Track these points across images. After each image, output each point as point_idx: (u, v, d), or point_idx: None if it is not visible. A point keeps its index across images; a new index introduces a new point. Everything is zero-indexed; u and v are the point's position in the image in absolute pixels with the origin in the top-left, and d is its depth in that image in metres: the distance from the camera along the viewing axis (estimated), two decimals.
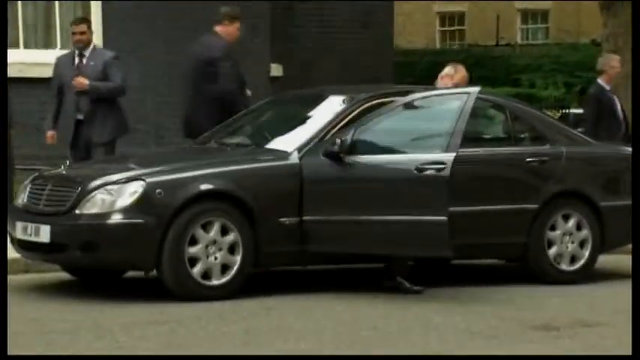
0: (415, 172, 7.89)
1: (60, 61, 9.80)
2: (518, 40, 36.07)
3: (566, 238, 8.84)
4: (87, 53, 9.61)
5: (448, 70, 9.27)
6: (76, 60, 9.63)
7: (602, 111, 10.92)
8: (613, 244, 9.21)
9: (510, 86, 24.81)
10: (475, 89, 8.19)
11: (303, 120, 8.67)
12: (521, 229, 8.62)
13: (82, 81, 9.43)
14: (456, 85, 9.04)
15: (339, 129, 8.29)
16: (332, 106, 8.64)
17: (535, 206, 8.70)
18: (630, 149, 9.42)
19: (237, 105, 9.44)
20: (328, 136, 8.24)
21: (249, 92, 9.83)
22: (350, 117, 8.42)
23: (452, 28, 38.37)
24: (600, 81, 11.13)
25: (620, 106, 11.24)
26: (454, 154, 7.87)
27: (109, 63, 9.60)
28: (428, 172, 7.86)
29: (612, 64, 11.22)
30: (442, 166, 7.83)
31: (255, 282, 8.19)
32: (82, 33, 9.62)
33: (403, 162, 8.02)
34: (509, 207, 8.57)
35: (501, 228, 8.55)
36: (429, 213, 7.74)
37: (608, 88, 11.12)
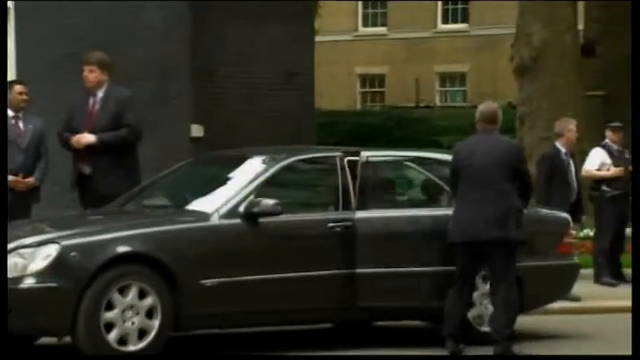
0: (327, 229, 8.09)
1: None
2: (437, 102, 36.44)
3: (485, 300, 8.70)
4: (21, 115, 9.38)
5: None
6: (12, 122, 9.31)
7: (554, 174, 10.82)
8: (532, 305, 9.11)
9: (431, 147, 24.93)
10: (366, 153, 8.52)
11: (224, 181, 8.53)
12: (441, 291, 8.47)
13: (28, 181, 9.14)
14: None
15: (260, 190, 8.16)
16: (253, 167, 8.52)
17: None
18: (548, 211, 9.41)
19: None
20: (249, 197, 8.09)
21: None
22: (271, 178, 8.31)
23: (372, 90, 38.69)
24: (557, 144, 11.08)
25: (575, 172, 11.17)
26: (366, 213, 8.09)
27: (44, 132, 9.34)
28: (337, 229, 8.05)
29: (570, 127, 11.22)
30: (349, 223, 8.04)
31: (176, 347, 7.92)
32: (27, 94, 9.45)
33: (318, 221, 8.16)
34: (432, 269, 8.42)
35: (424, 290, 8.39)
36: (343, 267, 8.05)
37: (564, 151, 11.08)
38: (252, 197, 8.07)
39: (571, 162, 11.11)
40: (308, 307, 8.17)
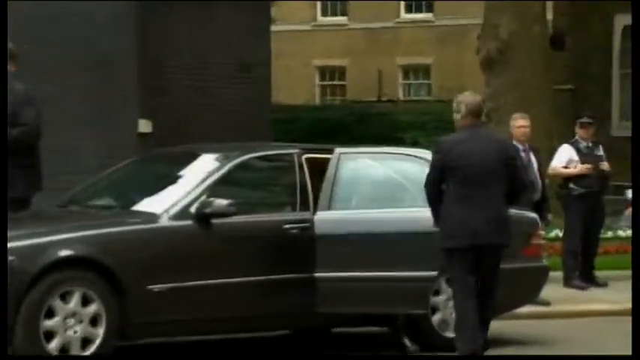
0: (283, 231, 8.03)
1: None
2: (401, 96, 36.47)
3: (450, 304, 8.67)
4: None
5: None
6: None
7: None
8: (499, 309, 9.03)
9: (394, 144, 24.77)
10: (341, 149, 8.44)
11: (173, 180, 8.45)
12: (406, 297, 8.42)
13: None
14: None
15: (212, 189, 8.09)
16: (205, 164, 8.45)
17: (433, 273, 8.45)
18: (515, 211, 9.38)
19: None
20: (201, 197, 8.02)
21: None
22: (224, 176, 8.24)
23: (332, 83, 38.66)
24: (514, 142, 11.10)
25: (538, 167, 11.13)
26: (325, 214, 8.03)
27: None
28: (294, 231, 8.01)
29: (514, 123, 11.23)
30: (306, 224, 8.01)
31: (122, 356, 7.82)
32: None
33: (273, 222, 8.10)
34: (396, 274, 8.35)
35: (388, 295, 8.33)
36: (301, 271, 7.99)
37: (521, 147, 11.07)
38: (204, 197, 7.99)
39: (532, 159, 11.10)
40: (264, 314, 8.12)
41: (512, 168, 7.86)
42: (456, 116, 7.90)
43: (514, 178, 7.85)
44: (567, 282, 11.87)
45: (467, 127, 7.82)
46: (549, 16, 19.69)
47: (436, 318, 8.64)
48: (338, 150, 8.54)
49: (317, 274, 8.11)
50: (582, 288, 11.78)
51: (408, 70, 37.85)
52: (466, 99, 7.90)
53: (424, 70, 37.60)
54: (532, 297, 9.50)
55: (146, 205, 8.12)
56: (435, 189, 7.82)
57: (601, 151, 12.08)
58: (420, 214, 8.31)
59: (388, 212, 8.54)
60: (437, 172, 7.80)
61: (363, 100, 32.81)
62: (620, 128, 21.62)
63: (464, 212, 7.64)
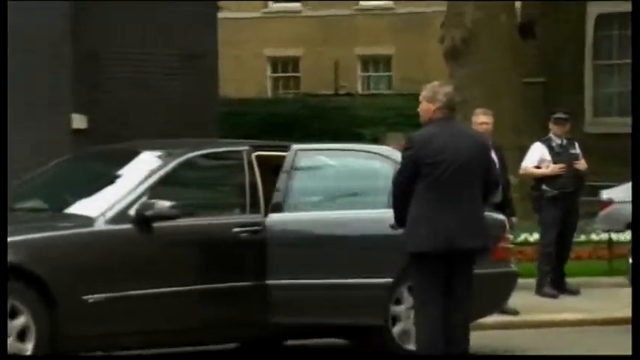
0: (233, 234, 8.04)
1: None
2: (359, 89, 36.57)
3: (412, 314, 8.63)
4: None
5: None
6: None
7: None
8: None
9: (352, 140, 24.76)
10: (298, 146, 8.43)
11: (110, 180, 8.41)
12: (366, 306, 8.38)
13: None
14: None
15: (154, 190, 8.05)
16: (145, 163, 8.42)
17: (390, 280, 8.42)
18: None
19: None
20: (141, 198, 7.98)
21: None
22: (167, 176, 8.20)
23: (285, 75, 38.68)
24: None
25: (501, 165, 10.99)
26: (278, 216, 8.03)
27: None
28: (244, 235, 8.05)
29: (475, 119, 11.22)
30: (257, 228, 8.05)
31: None
32: None
33: (221, 225, 8.09)
34: (355, 281, 8.31)
35: (346, 304, 8.30)
36: (252, 278, 8.00)
37: None
38: (144, 199, 7.96)
39: (494, 157, 11.03)
40: (210, 325, 8.09)
41: (488, 165, 7.81)
42: (429, 106, 7.64)
43: (489, 176, 7.79)
44: (539, 289, 11.88)
45: (439, 121, 7.61)
46: (517, 4, 19.77)
47: (397, 329, 8.60)
48: (295, 147, 8.50)
49: (268, 282, 8.09)
50: (553, 296, 11.79)
51: (367, 61, 37.97)
52: (443, 89, 7.70)
53: (384, 61, 37.75)
54: (499, 305, 9.53)
55: (80, 207, 8.06)
56: (407, 188, 7.54)
57: (577, 149, 12.08)
58: (381, 216, 8.29)
59: (346, 214, 8.53)
60: (411, 169, 7.53)
61: (318, 93, 32.84)
62: (594, 124, 21.75)
63: (438, 213, 7.46)
